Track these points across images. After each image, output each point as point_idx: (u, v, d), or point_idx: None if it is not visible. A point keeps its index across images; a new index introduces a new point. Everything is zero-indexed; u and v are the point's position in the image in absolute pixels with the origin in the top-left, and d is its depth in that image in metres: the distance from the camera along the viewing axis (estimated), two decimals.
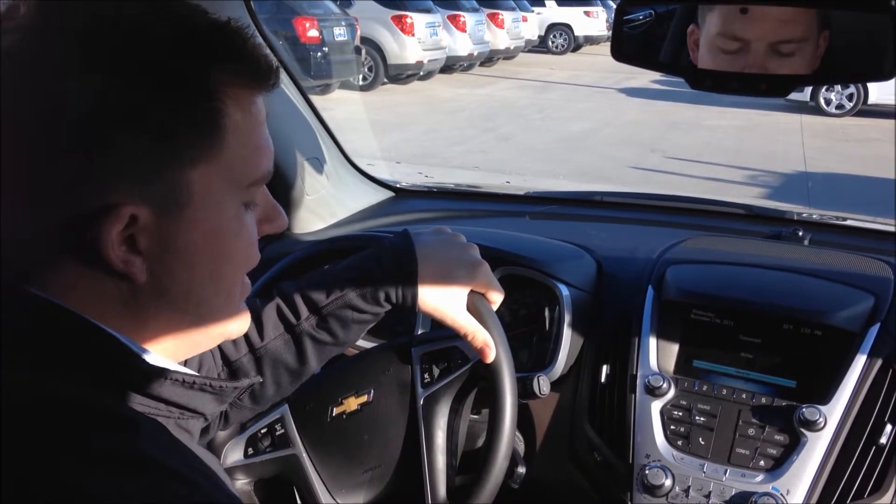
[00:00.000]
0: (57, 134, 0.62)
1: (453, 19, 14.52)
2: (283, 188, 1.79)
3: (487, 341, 1.07)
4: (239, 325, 0.81)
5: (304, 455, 1.16)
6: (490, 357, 1.07)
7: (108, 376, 0.68)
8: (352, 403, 1.16)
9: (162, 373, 0.71)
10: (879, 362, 1.30)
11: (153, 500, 0.59)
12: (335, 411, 1.16)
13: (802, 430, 1.26)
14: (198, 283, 0.73)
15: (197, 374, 0.75)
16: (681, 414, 1.34)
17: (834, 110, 11.58)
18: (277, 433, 1.18)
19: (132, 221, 0.65)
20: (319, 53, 11.03)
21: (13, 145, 0.63)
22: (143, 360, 0.70)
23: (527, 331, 1.52)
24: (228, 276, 0.76)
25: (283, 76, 1.82)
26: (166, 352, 0.74)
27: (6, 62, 0.63)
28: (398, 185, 2.25)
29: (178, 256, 0.70)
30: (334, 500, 1.14)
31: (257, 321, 1.07)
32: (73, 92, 0.62)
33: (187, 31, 0.68)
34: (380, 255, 1.08)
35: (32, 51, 0.63)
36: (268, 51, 0.73)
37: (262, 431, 1.19)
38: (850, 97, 11.53)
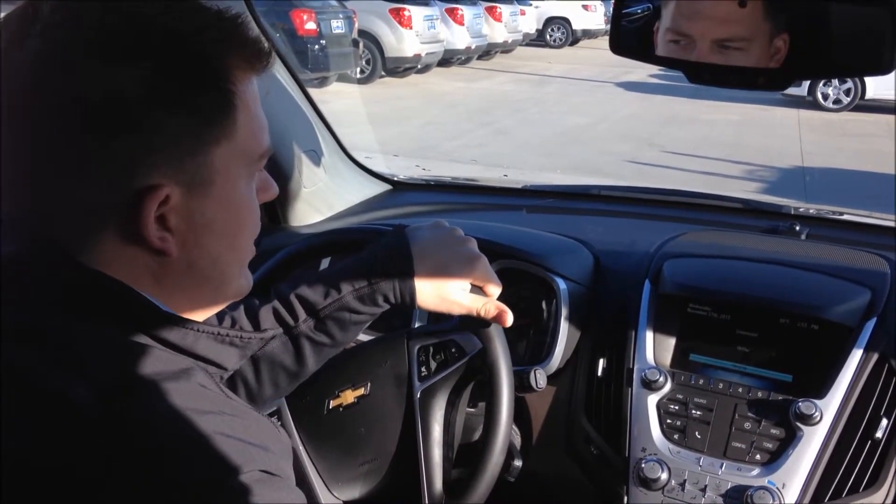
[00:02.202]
0: (104, 120, 0.67)
1: (451, 12, 14.48)
2: (280, 180, 1.78)
3: (500, 306, 1.09)
4: (247, 283, 0.87)
5: (301, 448, 1.16)
6: (509, 321, 1.09)
7: (147, 333, 0.74)
8: (349, 396, 1.16)
9: (196, 327, 0.77)
10: (876, 357, 1.30)
11: (228, 432, 0.67)
12: (332, 404, 1.16)
13: (798, 424, 1.27)
14: (220, 254, 0.79)
15: (224, 327, 0.82)
16: (677, 408, 1.35)
17: (831, 105, 11.58)
18: None
19: (164, 201, 0.70)
20: (317, 46, 10.98)
21: (68, 130, 0.68)
22: (178, 317, 0.76)
23: (524, 324, 1.52)
24: (244, 244, 0.83)
25: (281, 68, 1.81)
26: (185, 314, 0.79)
27: (46, 58, 0.67)
28: (395, 178, 2.24)
29: (204, 231, 0.75)
30: (331, 493, 1.14)
31: (254, 322, 1.06)
32: (115, 80, 0.67)
33: (204, 20, 0.73)
34: (375, 255, 1.07)
35: (70, 45, 0.68)
36: (261, 34, 0.80)
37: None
38: (847, 92, 11.53)
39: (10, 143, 0.69)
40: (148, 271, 0.74)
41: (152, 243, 0.71)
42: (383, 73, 13.13)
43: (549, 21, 20.52)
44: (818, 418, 1.26)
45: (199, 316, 0.82)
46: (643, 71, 13.97)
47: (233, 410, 0.71)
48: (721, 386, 1.35)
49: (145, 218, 0.69)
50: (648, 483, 1.29)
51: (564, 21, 20.53)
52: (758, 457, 1.28)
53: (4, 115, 0.69)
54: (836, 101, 11.60)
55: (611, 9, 1.17)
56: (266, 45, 0.78)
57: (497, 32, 16.52)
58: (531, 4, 19.29)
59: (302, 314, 1.05)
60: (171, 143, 0.70)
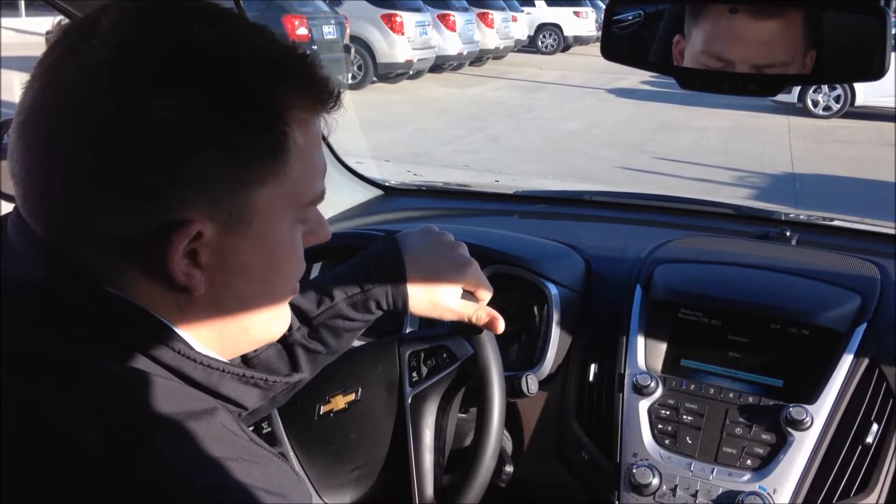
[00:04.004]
0: (144, 148, 0.64)
1: (443, 18, 14.50)
2: None
3: (492, 313, 1.09)
4: (282, 326, 0.83)
5: (291, 454, 1.16)
6: (500, 328, 1.09)
7: (170, 368, 0.70)
8: (339, 402, 1.15)
9: (221, 367, 0.74)
10: (866, 362, 1.31)
11: (242, 477, 0.64)
12: (322, 410, 1.16)
13: (789, 429, 1.27)
14: (251, 297, 0.75)
15: (249, 369, 0.78)
16: (668, 413, 1.35)
17: (821, 112, 11.63)
18: (264, 432, 1.18)
19: (197, 237, 0.67)
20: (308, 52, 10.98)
21: (102, 154, 0.64)
22: (206, 356, 0.73)
23: (515, 330, 1.52)
24: (280, 288, 0.79)
25: None
26: (212, 352, 0.76)
27: (94, 76, 0.64)
28: (387, 184, 2.24)
29: (236, 272, 0.72)
30: (321, 499, 1.14)
31: None
32: (161, 108, 0.63)
33: (265, 56, 0.69)
34: (367, 262, 1.08)
35: (122, 66, 0.65)
36: (331, 74, 0.75)
37: (249, 430, 1.18)
38: (837, 99, 11.59)
39: (46, 159, 0.66)
40: (175, 306, 0.70)
41: (177, 279, 0.67)
42: (375, 78, 13.14)
43: (541, 27, 20.57)
44: (809, 423, 1.26)
45: (225, 355, 0.78)
46: (635, 77, 14.02)
47: (252, 456, 0.68)
48: (712, 391, 1.35)
49: (172, 253, 0.66)
50: (640, 488, 1.29)
51: (556, 27, 20.58)
52: (749, 462, 1.28)
53: (45, 128, 0.66)
54: (826, 108, 11.65)
55: (602, 15, 1.16)
56: (332, 84, 0.74)
57: (489, 38, 16.55)
58: (523, 11, 19.33)
59: (295, 322, 1.05)
60: (210, 178, 0.66)
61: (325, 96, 0.73)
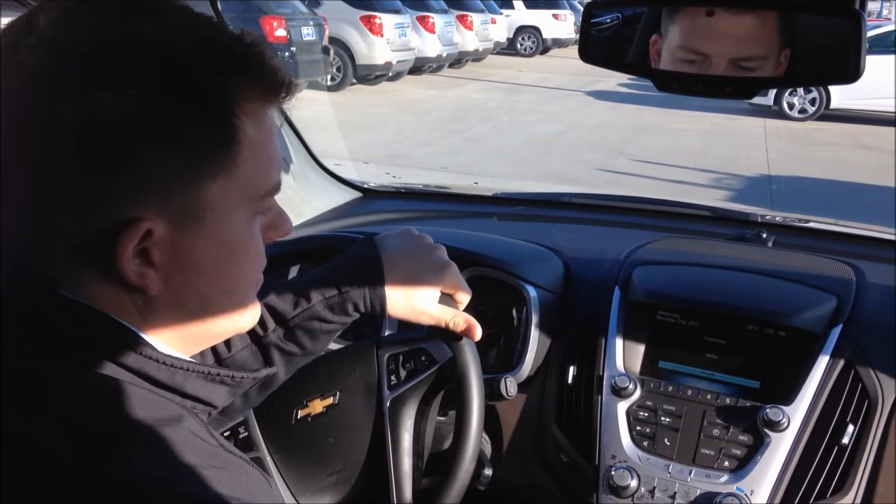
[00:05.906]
0: (88, 148, 0.63)
1: (422, 21, 14.50)
2: None
3: (469, 320, 1.08)
4: (251, 316, 0.82)
5: (268, 458, 1.15)
6: (478, 335, 1.08)
7: (134, 371, 0.69)
8: (317, 406, 1.15)
9: (186, 366, 0.73)
10: (842, 363, 1.32)
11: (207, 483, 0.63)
12: (300, 414, 1.15)
13: (766, 430, 1.28)
14: (211, 293, 0.74)
15: (215, 366, 0.77)
16: (646, 415, 1.35)
17: (797, 114, 11.74)
18: (241, 436, 1.16)
19: (147, 235, 0.66)
20: (287, 53, 10.93)
21: (46, 155, 0.63)
22: (168, 356, 0.72)
23: (494, 332, 1.52)
24: (241, 283, 0.78)
25: None
26: (175, 349, 0.75)
27: (35, 76, 0.63)
28: (366, 186, 2.24)
29: (192, 269, 0.71)
30: (298, 503, 1.13)
31: None
32: (104, 107, 0.62)
33: (211, 47, 0.68)
34: (345, 264, 1.07)
35: (61, 65, 0.63)
36: (282, 63, 0.73)
37: (225, 434, 1.17)
38: (812, 101, 11.70)
39: None
40: (134, 307, 0.69)
41: (130, 279, 0.66)
42: (354, 80, 13.11)
43: (520, 30, 20.63)
44: (785, 424, 1.27)
45: (189, 352, 0.77)
46: (612, 80, 14.10)
47: (221, 462, 0.66)
48: (690, 393, 1.35)
49: (122, 253, 0.65)
50: (618, 490, 1.29)
51: (535, 30, 20.65)
52: (726, 463, 1.28)
53: None
54: (802, 111, 11.76)
55: (580, 18, 1.17)
56: (283, 74, 0.72)
57: (468, 41, 16.57)
58: (502, 13, 19.37)
59: (271, 324, 1.04)
60: (159, 176, 0.65)
61: (276, 86, 0.72)
